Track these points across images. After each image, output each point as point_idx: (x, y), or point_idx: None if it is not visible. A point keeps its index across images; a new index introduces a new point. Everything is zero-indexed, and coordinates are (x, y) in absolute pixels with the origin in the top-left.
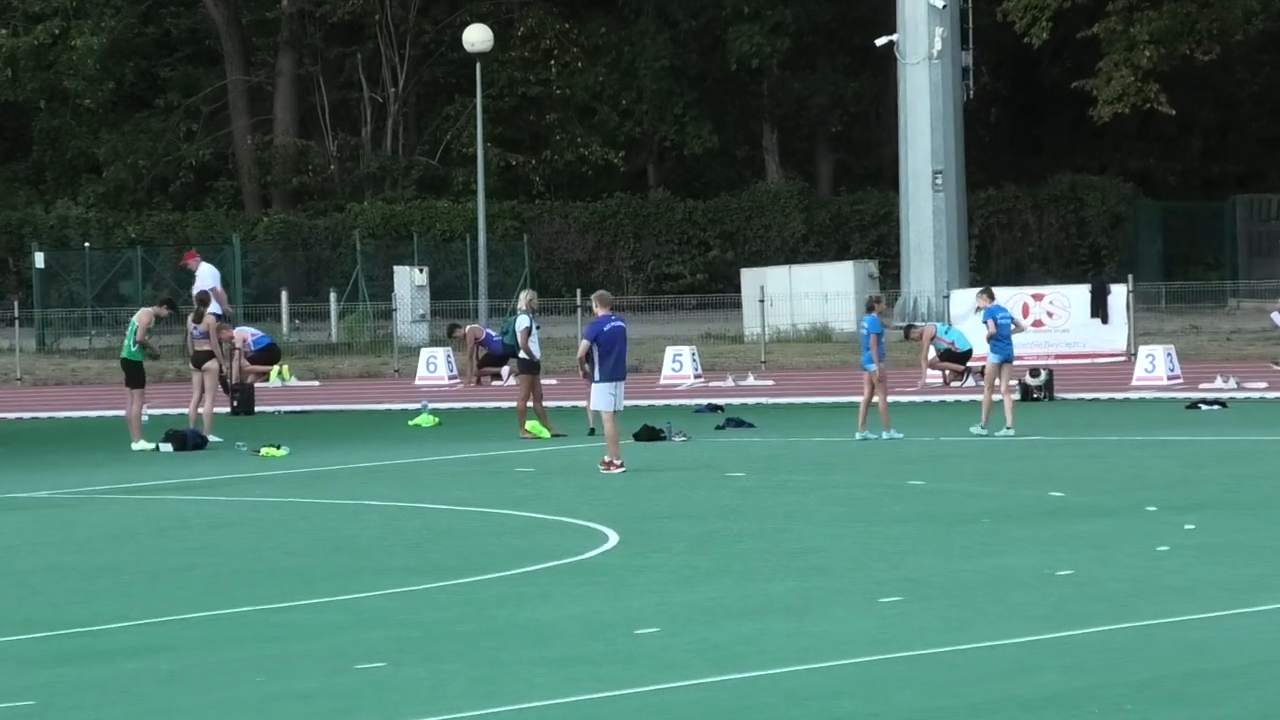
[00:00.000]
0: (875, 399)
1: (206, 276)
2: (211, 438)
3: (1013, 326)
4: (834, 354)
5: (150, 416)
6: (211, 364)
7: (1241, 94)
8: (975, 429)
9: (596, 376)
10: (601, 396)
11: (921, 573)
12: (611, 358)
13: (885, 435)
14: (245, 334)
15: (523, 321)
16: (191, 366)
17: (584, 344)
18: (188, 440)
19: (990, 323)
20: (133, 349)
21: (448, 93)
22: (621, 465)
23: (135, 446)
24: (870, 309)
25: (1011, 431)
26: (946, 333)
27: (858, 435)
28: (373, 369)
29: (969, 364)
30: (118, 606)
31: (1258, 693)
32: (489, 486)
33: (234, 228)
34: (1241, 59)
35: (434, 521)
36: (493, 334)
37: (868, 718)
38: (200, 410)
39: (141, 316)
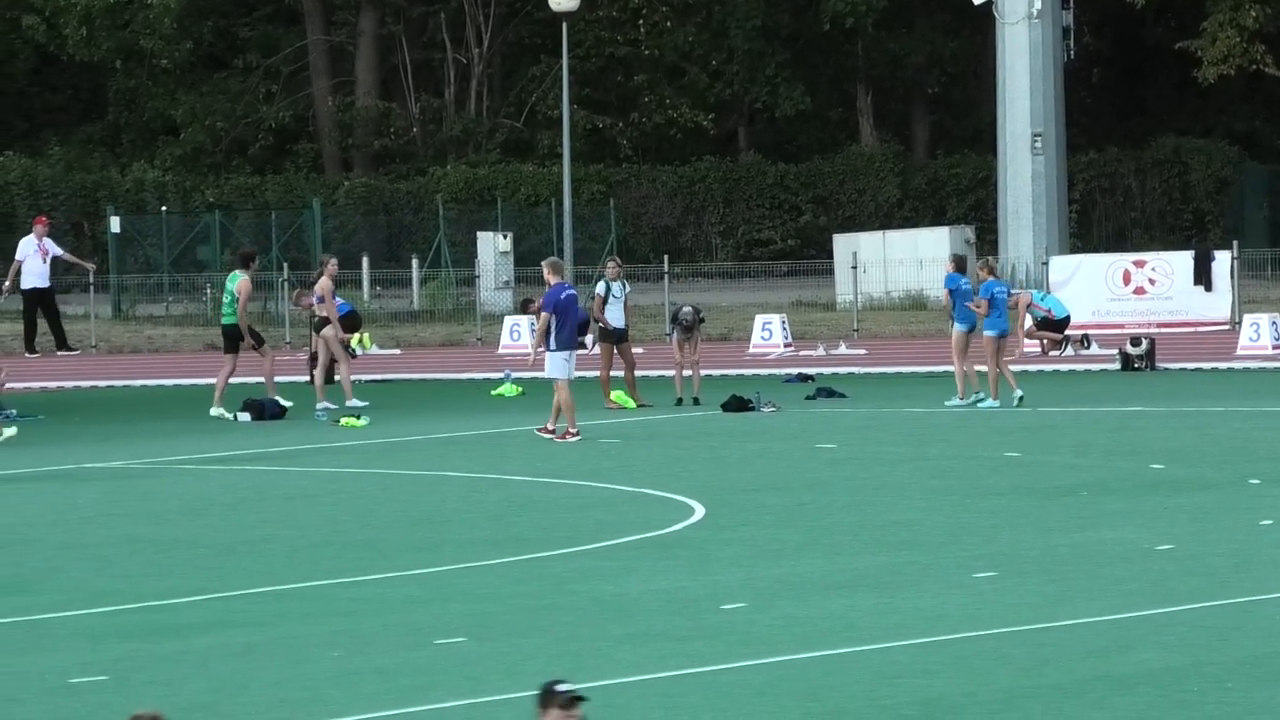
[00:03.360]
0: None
1: (23, 244)
2: (325, 404)
3: (1010, 299)
4: (929, 322)
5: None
6: (327, 330)
7: None
8: (1015, 395)
9: (552, 345)
10: (557, 365)
11: (1017, 547)
12: (567, 327)
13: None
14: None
15: (599, 289)
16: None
17: (544, 316)
18: (265, 410)
19: (984, 301)
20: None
21: (533, 53)
22: (578, 434)
23: (213, 411)
24: (993, 273)
25: (991, 400)
26: (1043, 300)
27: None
28: (455, 337)
29: (1067, 332)
30: (193, 579)
31: None
32: (573, 457)
33: (314, 192)
34: None
35: (516, 493)
36: None
37: (960, 696)
38: (327, 377)
39: (242, 285)
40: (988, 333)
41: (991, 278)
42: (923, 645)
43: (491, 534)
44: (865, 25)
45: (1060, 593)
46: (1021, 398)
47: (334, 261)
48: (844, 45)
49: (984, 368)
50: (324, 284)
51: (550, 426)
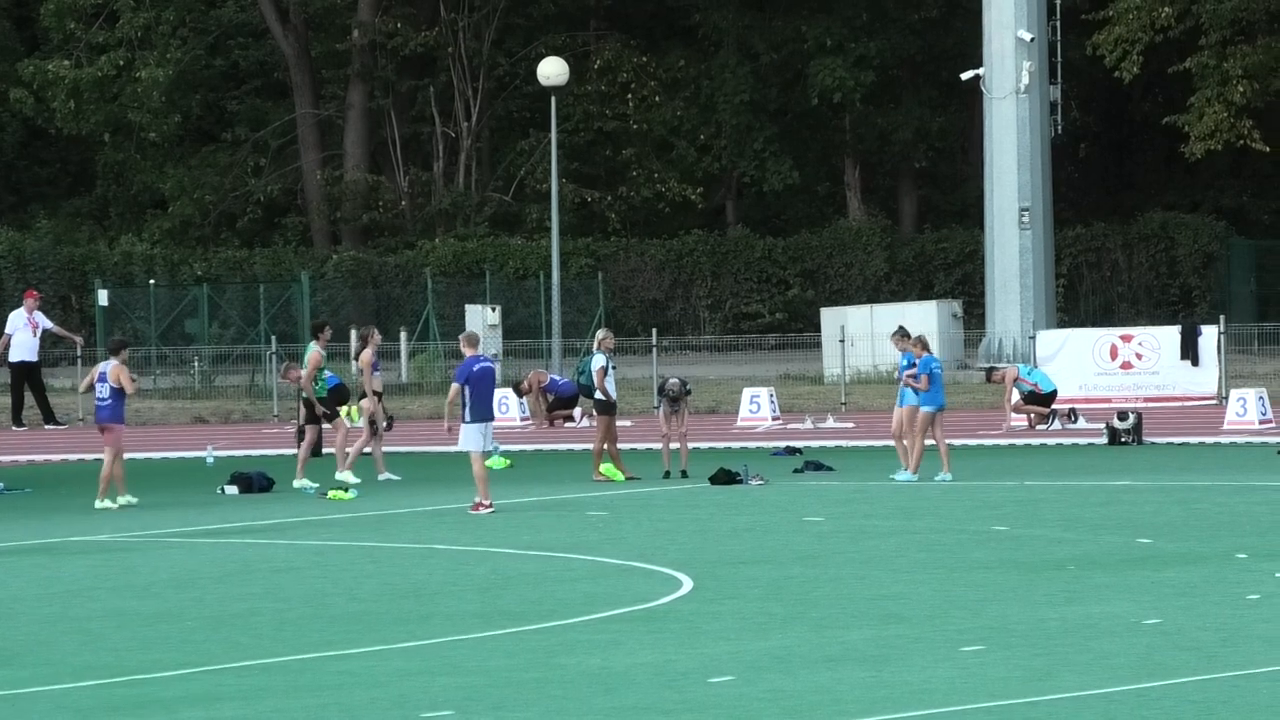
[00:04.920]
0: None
1: (13, 318)
2: (391, 475)
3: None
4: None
5: (215, 459)
6: (365, 402)
7: None
8: (911, 476)
9: (467, 418)
10: (470, 437)
11: (1004, 621)
12: (481, 399)
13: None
14: (311, 374)
15: (598, 361)
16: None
17: (454, 387)
18: (253, 482)
19: (924, 376)
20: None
21: (522, 127)
22: (490, 506)
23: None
24: (927, 348)
25: (910, 474)
26: (1030, 374)
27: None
28: (443, 409)
29: (1054, 406)
30: (179, 653)
31: None
32: (561, 530)
33: (303, 265)
34: None
35: (503, 566)
36: (556, 378)
37: None
38: (369, 449)
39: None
40: (926, 408)
41: (926, 354)
42: (910, 719)
43: (479, 607)
44: (853, 101)
45: (1048, 666)
46: (916, 480)
47: (377, 332)
48: (832, 120)
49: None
50: (366, 356)
51: (484, 501)
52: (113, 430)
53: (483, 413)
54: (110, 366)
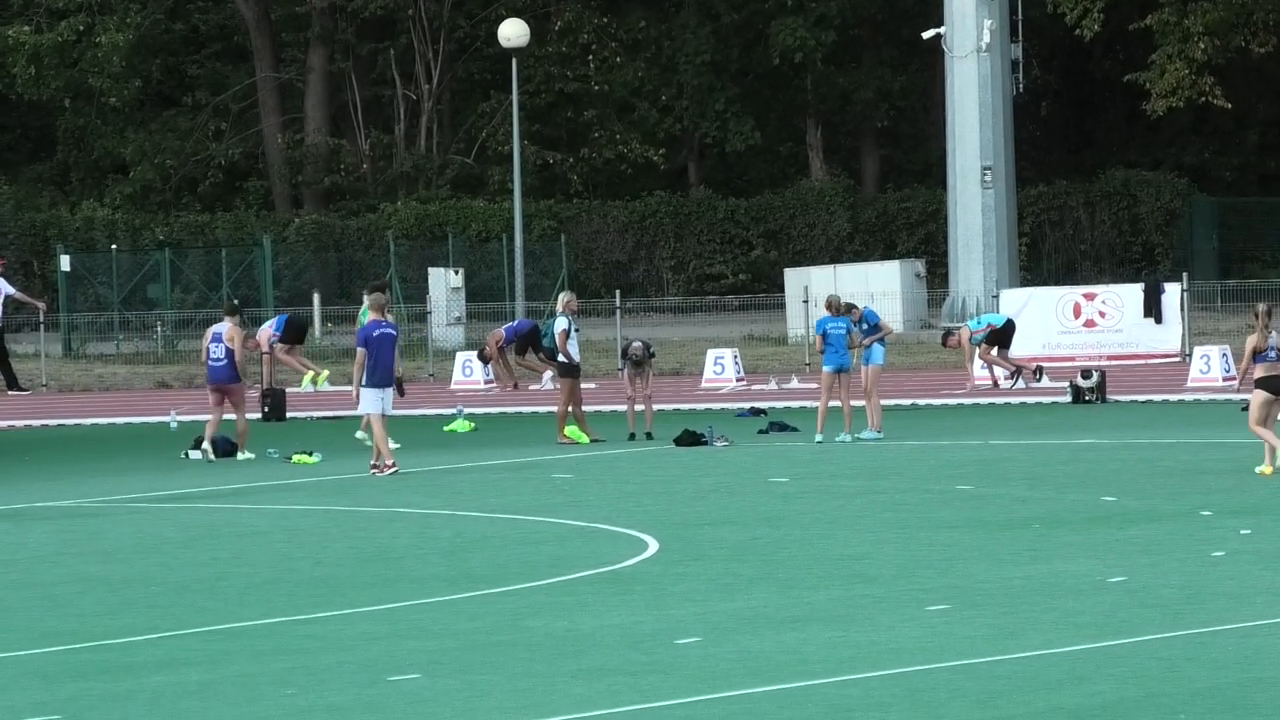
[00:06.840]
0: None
1: None
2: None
3: (848, 338)
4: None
5: (179, 423)
6: None
7: None
8: (818, 438)
9: (365, 381)
10: (369, 401)
11: (970, 580)
12: (379, 364)
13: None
14: (267, 331)
15: (561, 323)
16: None
17: (360, 352)
18: (217, 447)
19: (819, 337)
20: None
21: (483, 89)
22: (394, 466)
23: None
24: (830, 308)
25: (850, 438)
26: (979, 324)
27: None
28: (407, 373)
29: (1020, 365)
30: (145, 618)
31: None
32: (526, 493)
33: (264, 229)
34: None
35: (469, 529)
36: (510, 325)
37: None
38: None
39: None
40: (824, 368)
41: (826, 314)
42: (877, 678)
43: (445, 570)
44: (814, 60)
45: (1013, 625)
46: (821, 442)
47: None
48: (793, 80)
49: (845, 402)
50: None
51: (375, 462)
52: (233, 390)
53: (381, 378)
54: (226, 328)
